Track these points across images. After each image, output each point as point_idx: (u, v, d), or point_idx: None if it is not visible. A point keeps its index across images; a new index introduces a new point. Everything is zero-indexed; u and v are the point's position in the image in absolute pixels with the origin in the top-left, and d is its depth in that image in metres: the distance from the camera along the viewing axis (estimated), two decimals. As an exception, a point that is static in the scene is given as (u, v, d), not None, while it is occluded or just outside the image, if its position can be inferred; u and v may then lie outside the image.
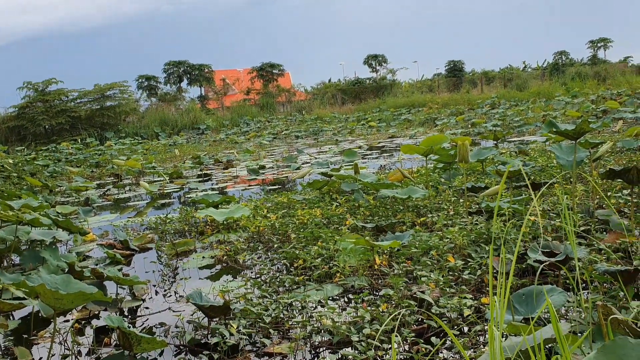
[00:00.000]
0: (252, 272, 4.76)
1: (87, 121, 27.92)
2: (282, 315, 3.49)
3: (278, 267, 4.79)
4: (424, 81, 41.80)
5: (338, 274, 4.20)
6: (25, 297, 3.81)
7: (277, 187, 10.23)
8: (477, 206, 5.71)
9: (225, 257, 5.19)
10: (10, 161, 15.05)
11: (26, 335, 3.78)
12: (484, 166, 7.94)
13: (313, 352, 3.14)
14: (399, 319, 3.18)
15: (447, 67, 41.86)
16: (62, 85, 28.51)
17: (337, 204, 6.60)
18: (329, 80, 40.65)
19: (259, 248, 5.40)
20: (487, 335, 3.00)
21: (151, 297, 4.40)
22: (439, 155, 7.32)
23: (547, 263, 3.59)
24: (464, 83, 39.25)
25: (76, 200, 10.28)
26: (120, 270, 4.73)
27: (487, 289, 3.65)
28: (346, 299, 3.92)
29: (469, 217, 5.21)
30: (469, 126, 18.19)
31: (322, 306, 3.67)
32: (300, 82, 51.82)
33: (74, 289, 3.13)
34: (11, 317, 4.14)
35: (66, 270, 4.61)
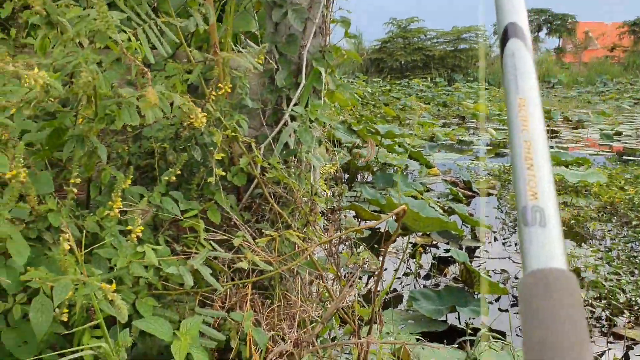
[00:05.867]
0: (600, 244, 4.37)
1: (440, 61, 28.91)
2: (638, 300, 3.13)
3: (633, 247, 4.28)
4: None
5: None
6: (383, 212, 4.22)
7: (637, 158, 9.08)
8: None
9: (571, 220, 4.87)
10: (369, 90, 16.63)
11: (377, 246, 4.19)
12: None
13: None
14: None
15: None
16: (422, 24, 29.91)
17: None
18: None
19: (613, 221, 4.91)
20: None
21: (490, 242, 4.42)
22: None
23: None
24: None
25: (422, 135, 10.85)
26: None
27: None
28: None
29: None
30: None
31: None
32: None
33: (433, 214, 3.31)
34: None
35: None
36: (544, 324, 0.34)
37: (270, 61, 2.08)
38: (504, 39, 0.48)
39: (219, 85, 1.73)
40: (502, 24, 0.49)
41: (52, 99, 1.43)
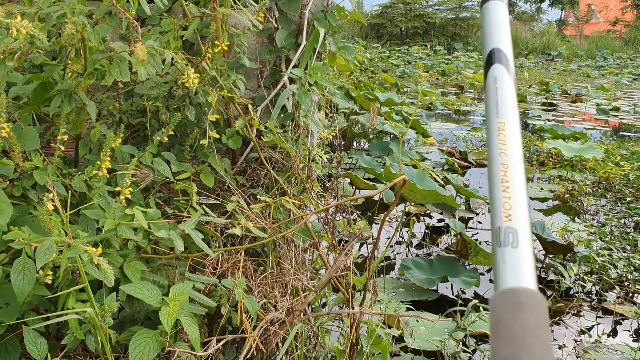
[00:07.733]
0: (594, 220, 4.37)
1: (440, 29, 28.52)
2: (630, 277, 3.13)
3: (626, 223, 4.28)
4: None
5: None
6: (378, 181, 4.18)
7: (633, 134, 9.05)
8: None
9: (566, 195, 4.85)
10: (368, 56, 16.43)
11: (370, 213, 4.17)
12: None
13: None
14: None
15: None
16: (425, -10, 29.40)
17: None
18: None
19: (607, 196, 4.90)
20: None
21: (484, 213, 4.40)
22: None
23: None
24: None
25: (419, 103, 10.74)
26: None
27: None
28: None
29: None
30: None
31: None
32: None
33: (429, 187, 3.28)
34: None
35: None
36: (512, 341, 0.36)
37: (270, 20, 2.00)
38: (489, 63, 0.51)
39: (216, 42, 1.66)
40: (487, 48, 0.52)
41: (39, 51, 1.35)
